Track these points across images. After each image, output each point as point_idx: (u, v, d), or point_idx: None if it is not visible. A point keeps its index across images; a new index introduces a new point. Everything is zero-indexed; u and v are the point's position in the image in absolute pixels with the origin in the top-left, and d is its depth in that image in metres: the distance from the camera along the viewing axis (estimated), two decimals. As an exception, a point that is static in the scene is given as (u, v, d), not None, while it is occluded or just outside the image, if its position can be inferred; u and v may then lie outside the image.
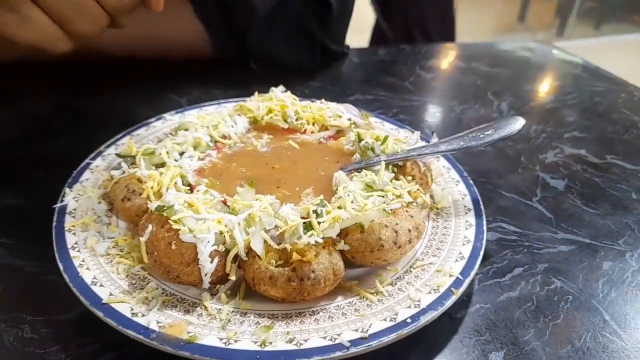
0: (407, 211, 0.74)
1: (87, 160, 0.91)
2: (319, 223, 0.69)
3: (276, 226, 0.69)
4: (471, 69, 1.62)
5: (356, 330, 0.63)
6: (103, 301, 0.63)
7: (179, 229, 0.65)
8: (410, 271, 0.73)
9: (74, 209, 0.79)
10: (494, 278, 0.79)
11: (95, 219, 0.79)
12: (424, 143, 0.89)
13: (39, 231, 0.76)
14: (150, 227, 0.68)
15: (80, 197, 0.83)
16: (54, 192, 0.83)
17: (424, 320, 0.64)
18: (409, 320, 0.64)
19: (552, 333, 0.71)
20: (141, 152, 0.81)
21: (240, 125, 0.95)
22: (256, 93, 1.03)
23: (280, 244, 0.68)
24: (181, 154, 0.85)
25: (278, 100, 0.98)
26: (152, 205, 0.69)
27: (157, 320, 0.61)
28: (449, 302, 0.67)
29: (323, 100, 1.03)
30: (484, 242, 0.78)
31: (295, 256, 0.65)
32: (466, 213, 0.85)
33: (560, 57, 1.76)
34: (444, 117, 1.30)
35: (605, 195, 1.03)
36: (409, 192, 0.77)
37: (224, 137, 0.92)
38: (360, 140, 0.89)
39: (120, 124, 1.02)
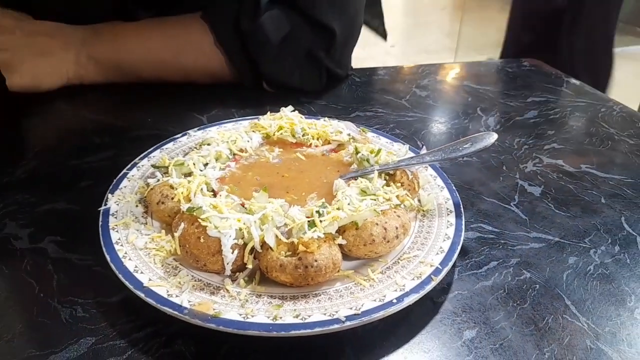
0: (395, 212, 0.88)
1: (124, 171, 1.03)
2: (320, 221, 0.83)
3: (285, 224, 0.83)
4: (462, 86, 1.76)
5: (351, 308, 0.74)
6: (144, 285, 0.74)
7: (206, 226, 0.80)
8: (398, 262, 0.85)
9: (116, 212, 0.91)
10: (471, 270, 0.86)
11: (133, 219, 0.91)
12: (412, 154, 1.04)
13: (87, 231, 0.85)
14: (182, 225, 0.82)
15: (120, 202, 0.95)
16: (97, 198, 0.96)
17: (407, 301, 0.75)
18: (394, 301, 0.75)
19: (519, 315, 0.81)
20: (172, 163, 0.95)
21: (255, 140, 1.09)
22: (268, 112, 1.17)
23: (289, 238, 0.82)
24: (205, 165, 1.00)
25: (287, 119, 1.13)
26: (184, 207, 0.84)
27: (189, 300, 0.68)
28: (428, 287, 0.77)
29: (326, 118, 1.18)
30: (462, 238, 0.87)
31: (301, 248, 0.78)
32: (448, 214, 0.98)
33: (546, 74, 1.89)
34: (436, 131, 1.44)
35: (577, 200, 1.15)
36: (397, 196, 0.91)
37: (241, 150, 1.07)
38: (357, 152, 1.03)
39: (151, 139, 1.17)
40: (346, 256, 0.78)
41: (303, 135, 1.10)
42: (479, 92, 1.67)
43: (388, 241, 0.84)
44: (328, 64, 1.52)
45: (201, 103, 1.49)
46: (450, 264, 0.84)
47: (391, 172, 0.97)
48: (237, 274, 0.76)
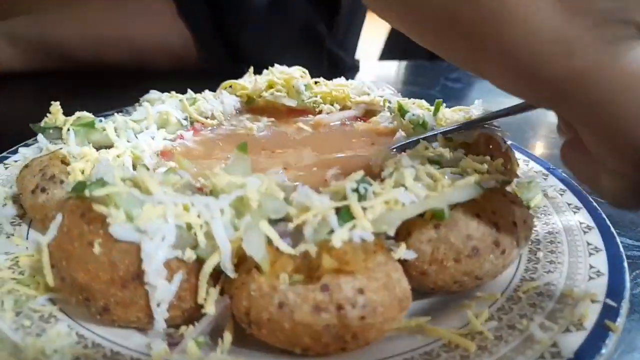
0: (504, 195, 0.44)
1: (2, 154, 0.62)
2: (364, 209, 0.39)
3: (288, 216, 0.39)
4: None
5: None
6: None
7: (109, 218, 0.35)
8: (519, 297, 0.43)
9: None
10: (637, 311, 0.52)
11: None
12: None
13: None
14: (59, 219, 0.37)
15: None
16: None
17: None
18: None
19: None
20: (72, 121, 0.51)
21: (229, 105, 0.67)
22: (250, 69, 0.75)
23: (296, 245, 0.37)
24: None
25: (282, 73, 0.70)
26: (68, 185, 0.39)
27: None
28: (608, 346, 0.36)
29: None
30: (621, 248, 0.48)
31: (327, 262, 0.35)
32: (575, 212, 0.55)
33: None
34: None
35: None
36: (496, 169, 0.48)
37: (205, 116, 0.63)
38: (402, 113, 0.60)
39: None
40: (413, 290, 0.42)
41: (309, 97, 0.66)
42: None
43: (503, 251, 0.40)
44: (330, 43, 1.18)
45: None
46: (627, 294, 0.45)
47: (470, 139, 0.54)
48: (182, 328, 0.40)
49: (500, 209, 0.44)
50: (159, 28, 1.13)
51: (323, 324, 0.35)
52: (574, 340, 0.39)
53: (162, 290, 0.36)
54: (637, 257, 0.63)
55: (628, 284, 0.46)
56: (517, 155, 0.71)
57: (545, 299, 0.45)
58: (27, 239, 0.51)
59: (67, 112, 0.62)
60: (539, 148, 0.95)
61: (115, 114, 0.67)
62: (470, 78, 1.42)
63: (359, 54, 1.43)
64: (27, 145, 0.62)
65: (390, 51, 1.89)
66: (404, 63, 1.52)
